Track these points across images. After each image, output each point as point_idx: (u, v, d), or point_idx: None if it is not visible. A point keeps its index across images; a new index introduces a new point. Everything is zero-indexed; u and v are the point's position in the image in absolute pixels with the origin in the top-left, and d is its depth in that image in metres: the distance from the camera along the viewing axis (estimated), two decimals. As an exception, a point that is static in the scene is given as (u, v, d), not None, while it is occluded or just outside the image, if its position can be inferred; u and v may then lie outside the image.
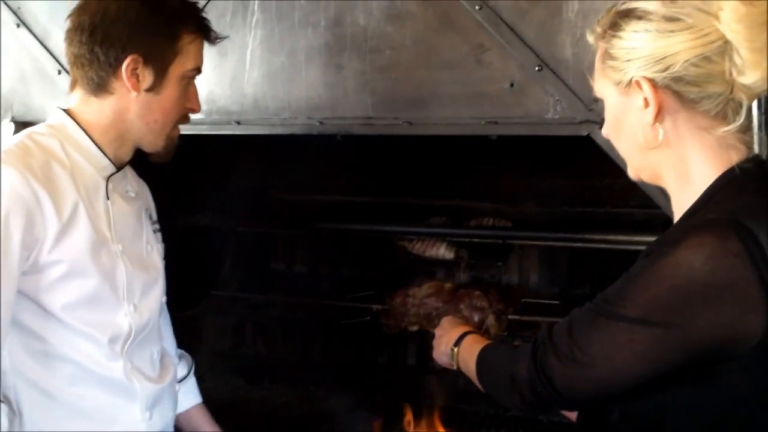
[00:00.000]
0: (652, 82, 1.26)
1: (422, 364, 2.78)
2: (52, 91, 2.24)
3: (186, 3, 1.71)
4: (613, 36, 1.30)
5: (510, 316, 2.51)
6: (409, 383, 2.77)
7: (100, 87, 1.66)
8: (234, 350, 3.06)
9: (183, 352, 2.06)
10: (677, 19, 1.23)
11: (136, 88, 1.65)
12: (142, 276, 1.72)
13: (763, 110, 1.50)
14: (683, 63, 1.22)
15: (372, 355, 2.91)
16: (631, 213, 2.51)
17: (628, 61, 1.28)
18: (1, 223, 1.47)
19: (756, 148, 1.43)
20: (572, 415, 1.76)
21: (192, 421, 2.04)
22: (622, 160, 1.41)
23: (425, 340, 2.52)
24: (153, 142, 1.72)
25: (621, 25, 1.29)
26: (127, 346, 1.68)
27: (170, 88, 1.67)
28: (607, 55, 1.32)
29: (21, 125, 2.27)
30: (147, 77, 1.64)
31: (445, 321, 1.81)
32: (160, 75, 1.65)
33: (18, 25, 2.31)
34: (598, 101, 1.44)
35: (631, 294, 1.22)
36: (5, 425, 1.56)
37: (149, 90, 1.65)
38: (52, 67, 2.27)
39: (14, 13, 2.31)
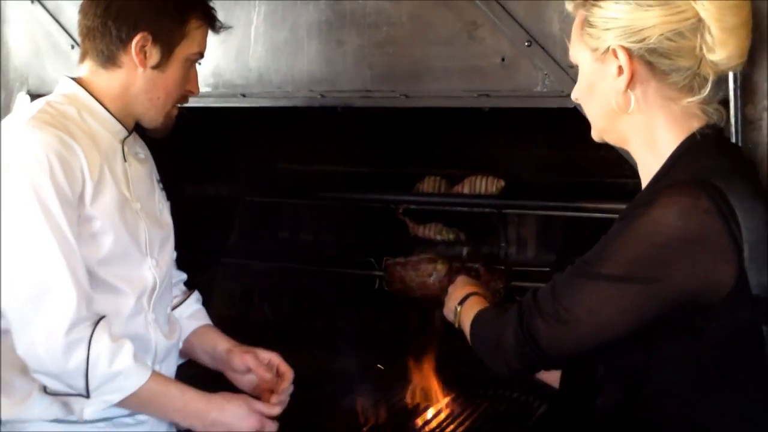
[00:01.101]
0: (628, 51, 1.33)
1: (424, 328, 2.85)
2: (66, 64, 2.29)
3: None
4: (594, 5, 1.36)
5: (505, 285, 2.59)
6: (411, 346, 2.84)
7: (109, 60, 1.75)
8: (241, 315, 3.12)
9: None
10: None
11: (143, 64, 1.74)
12: (158, 232, 1.83)
13: (739, 84, 1.57)
14: (658, 36, 1.29)
15: (375, 319, 2.99)
16: (625, 183, 2.56)
17: (607, 30, 1.34)
18: (50, 181, 1.57)
19: (732, 121, 1.51)
20: (550, 379, 1.84)
21: (205, 339, 2.00)
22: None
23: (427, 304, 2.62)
24: (153, 118, 1.81)
25: None
26: (153, 299, 1.79)
27: (174, 68, 1.76)
28: (587, 23, 1.38)
29: (35, 98, 2.32)
30: (154, 55, 1.74)
31: (459, 279, 1.88)
32: (167, 54, 1.74)
33: (32, 1, 2.37)
34: (573, 67, 1.51)
35: (610, 254, 1.30)
36: None
37: (155, 67, 1.75)
38: (65, 41, 2.34)
39: (28, -10, 2.37)
